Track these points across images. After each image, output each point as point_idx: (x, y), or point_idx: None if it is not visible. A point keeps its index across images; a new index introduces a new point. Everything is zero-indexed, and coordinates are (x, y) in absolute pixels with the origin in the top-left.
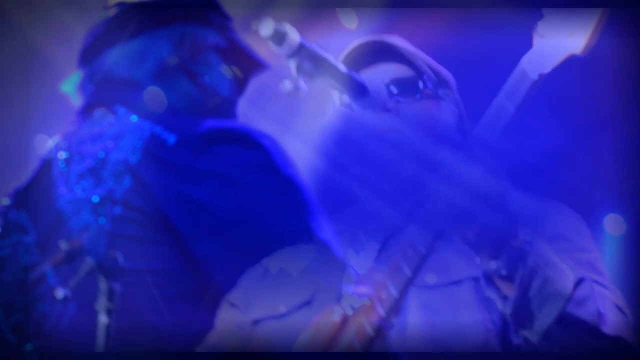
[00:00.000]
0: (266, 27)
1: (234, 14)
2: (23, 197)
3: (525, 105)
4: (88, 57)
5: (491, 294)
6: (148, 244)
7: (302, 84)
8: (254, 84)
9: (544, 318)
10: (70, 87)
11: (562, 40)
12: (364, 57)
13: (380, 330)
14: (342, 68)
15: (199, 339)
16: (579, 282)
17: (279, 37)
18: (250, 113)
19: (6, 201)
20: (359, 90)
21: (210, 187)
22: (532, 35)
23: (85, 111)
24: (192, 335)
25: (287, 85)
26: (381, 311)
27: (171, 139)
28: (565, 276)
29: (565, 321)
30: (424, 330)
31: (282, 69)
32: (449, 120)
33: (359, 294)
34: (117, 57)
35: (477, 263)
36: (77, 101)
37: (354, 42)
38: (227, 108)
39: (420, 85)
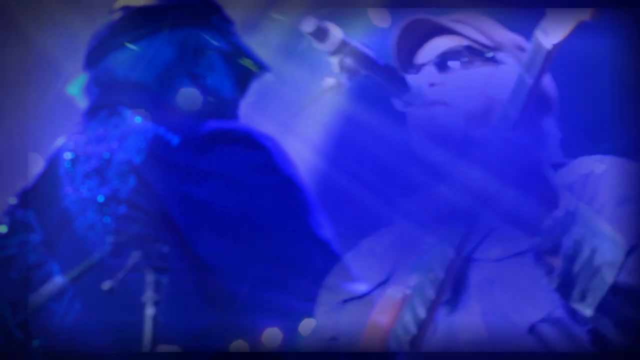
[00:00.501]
0: (308, 25)
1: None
2: (30, 197)
3: (542, 77)
4: (93, 59)
5: (540, 269)
6: (151, 242)
7: (345, 80)
8: (255, 86)
9: (596, 290)
10: (76, 89)
11: (571, 8)
12: (412, 39)
13: (431, 310)
14: (384, 64)
15: (201, 335)
16: (632, 250)
17: (321, 34)
18: (251, 114)
19: (13, 201)
20: (400, 85)
21: (212, 187)
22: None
23: (91, 112)
24: (194, 331)
25: (330, 82)
26: (430, 292)
27: (174, 139)
28: (615, 245)
29: (620, 291)
30: (489, 304)
31: (283, 73)
32: (506, 82)
33: (358, 290)
34: (122, 60)
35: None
36: (82, 103)
37: (398, 29)
38: (229, 109)
39: (463, 52)
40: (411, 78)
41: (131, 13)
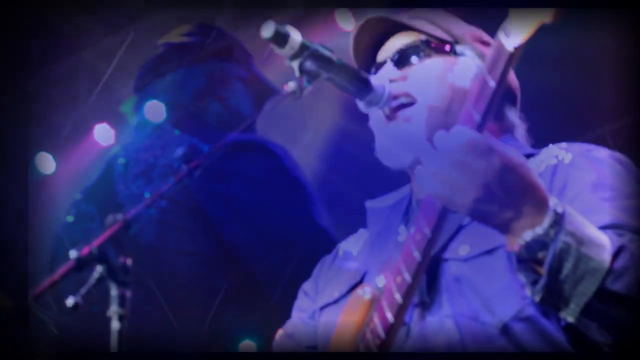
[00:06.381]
0: (267, 29)
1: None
2: (91, 193)
3: (504, 80)
4: (140, 85)
5: (522, 277)
6: (188, 230)
7: (306, 84)
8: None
9: (580, 297)
10: (128, 108)
11: (532, 10)
12: (370, 39)
13: (399, 315)
14: (346, 65)
15: (225, 300)
16: (618, 252)
17: (281, 39)
18: (265, 128)
19: (78, 196)
20: (363, 87)
21: (235, 186)
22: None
23: (139, 127)
24: (219, 302)
25: (291, 86)
26: (398, 297)
27: (205, 148)
28: (602, 250)
29: (605, 296)
30: (460, 303)
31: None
32: (465, 73)
33: (352, 268)
34: (164, 85)
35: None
36: (132, 119)
37: (355, 27)
38: (248, 124)
39: (421, 46)
40: (374, 78)
41: (171, 48)
